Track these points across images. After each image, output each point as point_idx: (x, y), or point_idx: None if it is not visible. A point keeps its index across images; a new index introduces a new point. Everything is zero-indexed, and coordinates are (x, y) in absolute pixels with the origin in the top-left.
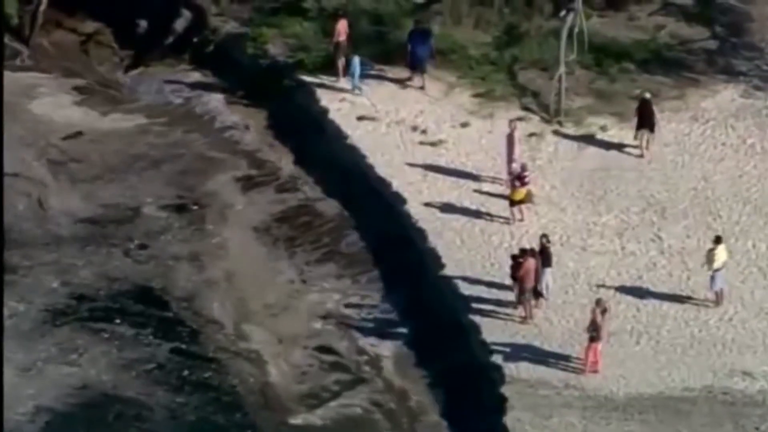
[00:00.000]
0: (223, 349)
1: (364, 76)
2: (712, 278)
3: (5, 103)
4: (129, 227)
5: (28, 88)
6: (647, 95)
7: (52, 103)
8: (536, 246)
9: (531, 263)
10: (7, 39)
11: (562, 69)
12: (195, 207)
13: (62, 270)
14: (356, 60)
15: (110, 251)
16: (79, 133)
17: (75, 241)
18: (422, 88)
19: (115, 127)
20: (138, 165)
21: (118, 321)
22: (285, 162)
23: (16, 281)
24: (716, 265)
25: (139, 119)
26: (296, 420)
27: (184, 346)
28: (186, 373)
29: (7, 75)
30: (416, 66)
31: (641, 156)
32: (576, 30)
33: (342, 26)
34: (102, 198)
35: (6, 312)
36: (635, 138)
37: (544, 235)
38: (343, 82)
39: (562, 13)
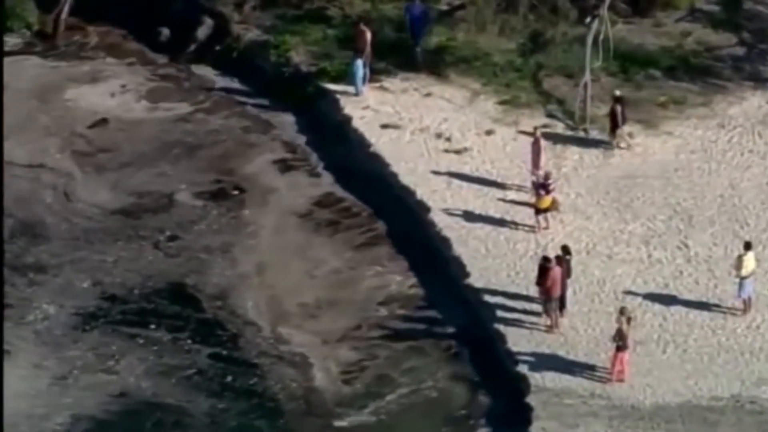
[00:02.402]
0: (264, 354)
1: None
2: (740, 285)
3: (44, 91)
4: (162, 216)
5: (91, 74)
6: (618, 92)
7: (102, 93)
8: (558, 254)
9: (557, 272)
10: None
11: (588, 76)
12: (235, 192)
13: (93, 268)
14: (359, 62)
15: (141, 245)
16: (104, 120)
17: (105, 235)
18: (417, 61)
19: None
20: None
21: (153, 326)
22: None
23: (47, 281)
24: (744, 272)
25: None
26: (342, 422)
27: (225, 352)
28: (228, 378)
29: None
30: (416, 40)
31: (629, 148)
32: (601, 37)
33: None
34: (133, 186)
35: (39, 315)
36: (620, 137)
37: (564, 247)
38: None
39: (588, 19)
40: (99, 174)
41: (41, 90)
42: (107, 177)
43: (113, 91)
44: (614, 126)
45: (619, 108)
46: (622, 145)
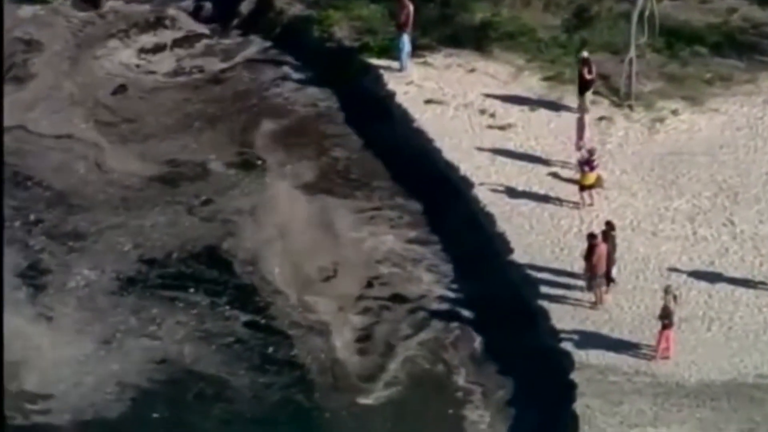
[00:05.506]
0: (297, 321)
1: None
2: None
3: (79, 49)
4: (198, 184)
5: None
6: (585, 54)
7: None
8: (602, 230)
9: (603, 248)
10: None
11: (633, 52)
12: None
13: (131, 232)
14: (405, 38)
15: (176, 210)
16: (123, 87)
17: (145, 202)
18: None
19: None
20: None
21: (192, 290)
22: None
23: (86, 247)
24: None
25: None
26: (367, 400)
27: (262, 320)
28: (268, 349)
29: None
30: None
31: (588, 111)
32: (647, 13)
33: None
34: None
35: (80, 281)
36: (587, 99)
37: (608, 223)
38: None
39: None
40: (124, 144)
41: (77, 48)
42: (133, 148)
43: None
44: (583, 89)
45: (585, 70)
46: (584, 107)
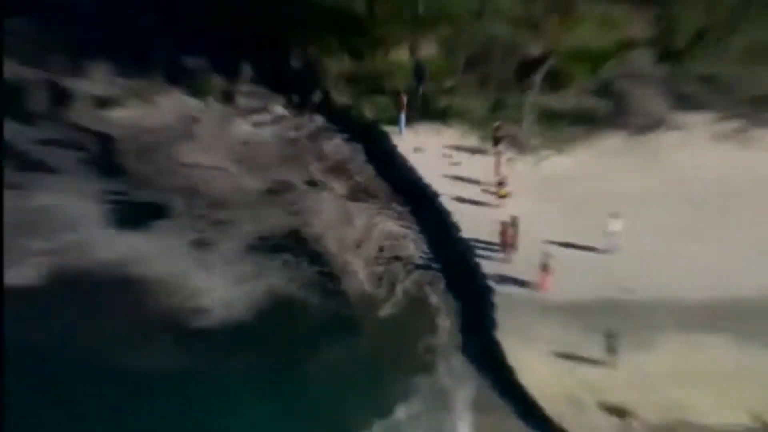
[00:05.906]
0: (342, 270)
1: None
2: (608, 240)
3: (221, 120)
4: (286, 194)
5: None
6: (497, 123)
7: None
8: (510, 220)
9: (510, 230)
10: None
11: (527, 123)
12: (318, 183)
13: (252, 221)
14: (402, 116)
15: (276, 209)
16: (245, 142)
17: (259, 203)
18: (423, 94)
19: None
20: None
21: (285, 254)
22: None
23: (227, 229)
24: (610, 230)
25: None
26: (383, 312)
27: (324, 269)
28: (328, 285)
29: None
30: (419, 83)
31: (501, 155)
32: (534, 101)
33: (403, 100)
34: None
35: (224, 248)
36: (501, 148)
37: (512, 216)
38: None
39: (528, 91)
40: (248, 172)
41: (219, 122)
42: (252, 173)
43: (264, 120)
44: (498, 142)
45: (500, 132)
46: (499, 153)
